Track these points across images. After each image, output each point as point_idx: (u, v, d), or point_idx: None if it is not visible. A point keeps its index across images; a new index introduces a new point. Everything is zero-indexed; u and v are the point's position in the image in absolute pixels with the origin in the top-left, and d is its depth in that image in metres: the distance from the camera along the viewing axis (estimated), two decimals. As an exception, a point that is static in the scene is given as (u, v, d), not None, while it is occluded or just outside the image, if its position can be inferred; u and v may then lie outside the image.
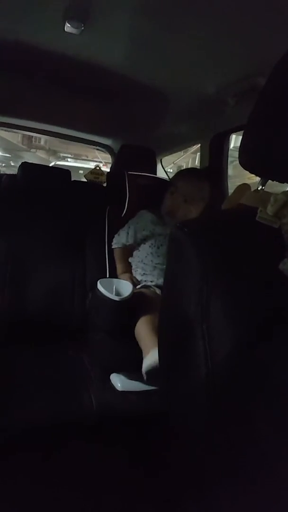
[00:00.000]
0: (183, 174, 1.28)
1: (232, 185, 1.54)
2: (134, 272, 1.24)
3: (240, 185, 0.67)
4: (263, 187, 0.52)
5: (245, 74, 0.95)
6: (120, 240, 1.26)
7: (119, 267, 1.25)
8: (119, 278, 1.17)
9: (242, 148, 0.49)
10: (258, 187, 0.53)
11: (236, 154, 0.50)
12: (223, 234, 0.42)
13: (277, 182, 0.52)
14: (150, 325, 0.96)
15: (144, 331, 0.96)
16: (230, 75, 1.00)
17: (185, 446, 0.38)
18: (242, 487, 0.30)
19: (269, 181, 0.53)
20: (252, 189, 0.57)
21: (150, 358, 0.86)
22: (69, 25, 0.91)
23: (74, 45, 1.03)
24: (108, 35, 0.96)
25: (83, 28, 0.91)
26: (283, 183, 0.51)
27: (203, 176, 1.23)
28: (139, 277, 1.21)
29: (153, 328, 0.95)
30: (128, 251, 1.27)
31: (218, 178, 1.51)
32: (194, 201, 1.16)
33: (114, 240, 1.28)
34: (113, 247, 1.28)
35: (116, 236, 1.28)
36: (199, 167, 1.63)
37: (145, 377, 0.88)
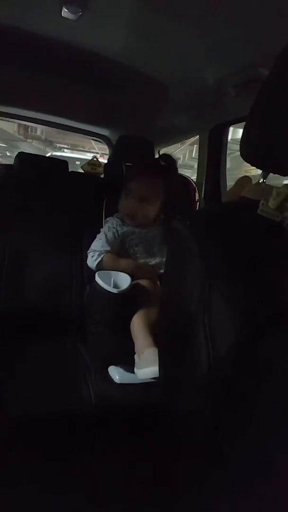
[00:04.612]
0: (135, 174, 1.21)
1: (230, 178, 1.54)
2: None
3: (241, 177, 0.66)
4: (265, 180, 0.52)
5: (246, 64, 0.93)
6: (102, 247, 1.13)
7: (121, 264, 1.11)
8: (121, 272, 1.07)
9: (244, 140, 0.48)
10: (259, 180, 0.52)
11: (234, 146, 0.49)
12: (225, 227, 0.42)
13: (277, 175, 0.51)
14: (145, 320, 0.95)
15: (138, 326, 0.95)
16: (231, 65, 0.98)
17: (187, 443, 0.38)
18: (243, 486, 0.30)
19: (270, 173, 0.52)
20: (253, 182, 0.57)
21: (146, 367, 0.86)
22: (66, 10, 0.88)
23: (71, 31, 1.00)
24: (107, 22, 0.93)
25: (80, 13, 0.88)
26: (285, 176, 0.50)
27: (155, 173, 1.16)
28: None
29: (148, 323, 0.94)
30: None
31: (217, 170, 1.51)
32: (150, 200, 1.14)
33: (97, 248, 1.13)
34: (98, 256, 1.11)
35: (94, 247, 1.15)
36: (196, 159, 1.61)
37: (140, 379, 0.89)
